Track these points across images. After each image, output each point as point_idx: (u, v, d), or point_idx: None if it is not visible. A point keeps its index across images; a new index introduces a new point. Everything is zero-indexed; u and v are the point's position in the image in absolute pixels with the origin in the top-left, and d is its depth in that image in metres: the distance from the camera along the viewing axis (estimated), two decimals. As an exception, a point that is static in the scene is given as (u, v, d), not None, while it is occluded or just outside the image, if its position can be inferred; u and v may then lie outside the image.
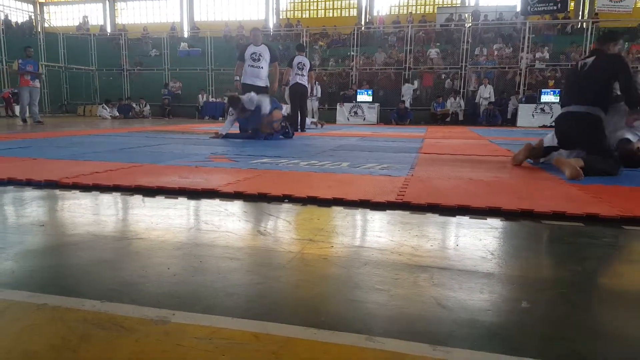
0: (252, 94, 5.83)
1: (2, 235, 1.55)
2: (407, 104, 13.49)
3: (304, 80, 7.76)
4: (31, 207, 1.97)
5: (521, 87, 13.23)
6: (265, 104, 5.71)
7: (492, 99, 13.02)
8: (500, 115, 12.74)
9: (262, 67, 6.49)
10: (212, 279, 1.17)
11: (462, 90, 13.97)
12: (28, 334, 0.87)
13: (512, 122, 12.53)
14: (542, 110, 11.79)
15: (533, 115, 11.89)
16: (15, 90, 14.86)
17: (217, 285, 1.13)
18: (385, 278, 1.20)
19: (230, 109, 5.95)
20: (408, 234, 1.63)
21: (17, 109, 14.29)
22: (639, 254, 1.61)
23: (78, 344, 0.83)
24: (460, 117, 13.21)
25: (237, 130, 6.24)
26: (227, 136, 5.91)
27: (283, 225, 1.74)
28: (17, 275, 1.19)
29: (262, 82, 6.50)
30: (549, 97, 11.90)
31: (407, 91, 13.89)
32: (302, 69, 7.75)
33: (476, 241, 1.56)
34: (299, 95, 7.81)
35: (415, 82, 14.33)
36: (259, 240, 1.53)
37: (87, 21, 23.53)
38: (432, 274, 1.23)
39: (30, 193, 2.23)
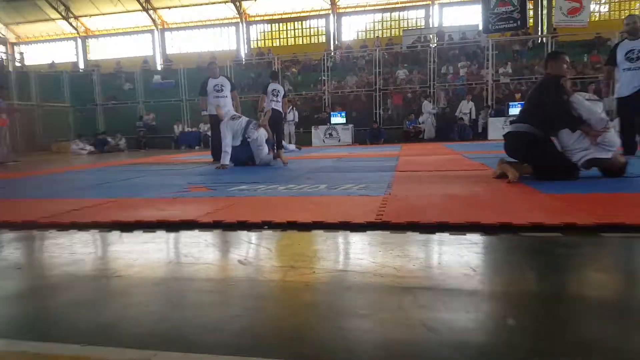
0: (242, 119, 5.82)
1: (-28, 283, 1.49)
2: (431, 121, 13.42)
3: (278, 106, 7.98)
4: (8, 249, 1.91)
5: (489, 101, 13.63)
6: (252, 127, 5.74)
7: (474, 116, 13.31)
8: (471, 130, 13.06)
9: (226, 96, 6.78)
10: (193, 315, 1.15)
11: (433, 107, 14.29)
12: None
13: (483, 135, 12.84)
14: (511, 122, 12.12)
15: (503, 128, 12.20)
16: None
17: (198, 321, 1.11)
18: (369, 302, 1.20)
19: (223, 129, 5.67)
20: (389, 254, 1.64)
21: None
22: (615, 261, 1.65)
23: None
24: (432, 134, 13.47)
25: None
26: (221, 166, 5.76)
27: (263, 253, 1.73)
28: (-10, 324, 1.14)
29: (228, 109, 6.61)
30: (516, 109, 12.27)
31: (427, 108, 13.68)
32: (277, 95, 7.99)
33: (458, 258, 1.58)
34: (274, 120, 7.93)
35: (443, 99, 14.19)
36: (240, 271, 1.51)
37: (54, 63, 23.35)
38: (416, 295, 1.24)
39: (7, 235, 2.16)
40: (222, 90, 6.73)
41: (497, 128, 12.31)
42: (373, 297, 1.23)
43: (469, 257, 1.59)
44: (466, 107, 13.45)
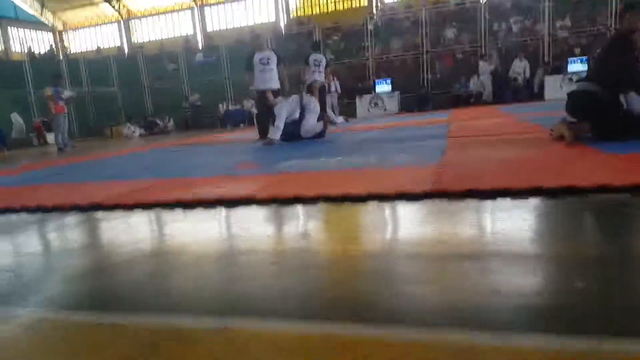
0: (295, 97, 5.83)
1: (57, 260, 1.62)
2: (487, 80, 12.79)
3: (321, 77, 7.90)
4: (79, 231, 2.05)
5: (545, 58, 12.82)
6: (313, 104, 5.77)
7: (528, 74, 12.56)
8: (527, 90, 12.39)
9: (273, 69, 6.55)
10: (260, 284, 1.19)
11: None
12: (97, 350, 0.91)
13: (539, 95, 12.18)
14: (570, 80, 11.39)
15: (561, 86, 11.51)
16: (46, 119, 15.50)
17: (265, 289, 1.15)
18: (433, 269, 1.20)
19: (279, 110, 5.62)
20: (450, 222, 1.62)
21: (49, 137, 14.89)
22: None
23: (149, 357, 0.87)
24: (490, 97, 12.86)
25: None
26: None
27: (322, 226, 1.75)
28: (76, 296, 1.24)
29: (276, 84, 6.57)
30: (577, 65, 11.50)
31: (484, 69, 13.05)
32: (319, 65, 7.88)
33: (521, 223, 1.53)
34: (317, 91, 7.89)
35: (490, 62, 13.33)
36: (301, 243, 1.55)
37: (100, 48, 24.22)
38: (481, 262, 1.22)
39: (76, 217, 2.31)
40: (268, 63, 6.53)
41: (555, 87, 11.62)
42: (436, 265, 1.22)
43: (532, 221, 1.54)
44: (519, 66, 12.68)
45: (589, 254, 1.25)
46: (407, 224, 1.73)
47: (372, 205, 1.98)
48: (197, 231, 1.83)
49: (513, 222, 1.56)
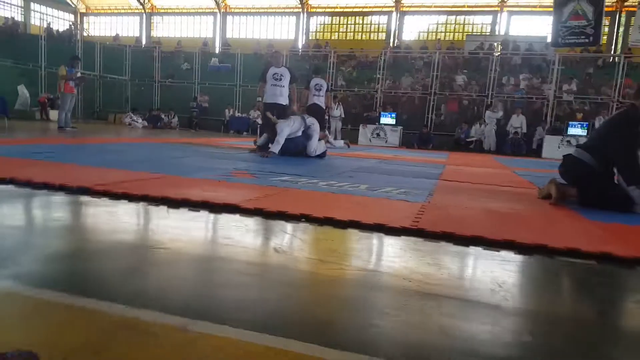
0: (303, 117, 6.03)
1: (37, 237, 1.65)
2: (492, 131, 13.07)
3: (320, 101, 8.23)
4: (63, 212, 2.09)
5: (548, 118, 13.11)
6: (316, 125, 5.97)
7: (524, 130, 12.85)
8: (525, 145, 12.64)
9: (283, 86, 6.77)
10: (227, 293, 1.24)
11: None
12: (62, 330, 0.95)
13: (537, 152, 12.40)
14: (569, 142, 11.65)
15: (559, 147, 11.75)
16: (52, 96, 15.58)
17: (231, 298, 1.20)
18: (393, 302, 1.25)
19: (281, 126, 5.74)
20: (420, 261, 1.67)
21: (52, 113, 14.94)
22: (651, 296, 1.60)
23: (107, 344, 0.91)
24: (485, 145, 13.12)
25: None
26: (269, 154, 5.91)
27: (298, 244, 1.80)
28: (49, 275, 1.28)
29: (284, 100, 6.77)
30: (576, 129, 11.76)
31: (491, 119, 13.34)
32: (319, 89, 8.20)
33: (487, 273, 1.59)
34: (316, 114, 8.07)
35: (500, 111, 13.71)
36: (274, 257, 1.59)
37: (118, 36, 24.51)
38: (440, 303, 1.27)
39: (63, 198, 2.35)
40: (280, 79, 6.75)
41: (553, 147, 11.87)
42: (397, 299, 1.27)
43: (498, 273, 1.59)
44: (516, 121, 13.00)
45: (541, 310, 1.31)
46: (381, 255, 1.78)
47: (351, 233, 2.04)
48: (176, 231, 1.87)
49: (479, 271, 1.62)
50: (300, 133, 5.83)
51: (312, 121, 5.95)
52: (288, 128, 5.71)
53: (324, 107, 8.39)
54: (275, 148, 5.62)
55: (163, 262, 1.47)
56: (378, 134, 13.59)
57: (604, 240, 2.16)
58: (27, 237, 1.68)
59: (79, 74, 10.15)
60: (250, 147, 6.93)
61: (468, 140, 13.23)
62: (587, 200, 3.22)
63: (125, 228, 1.85)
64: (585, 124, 11.84)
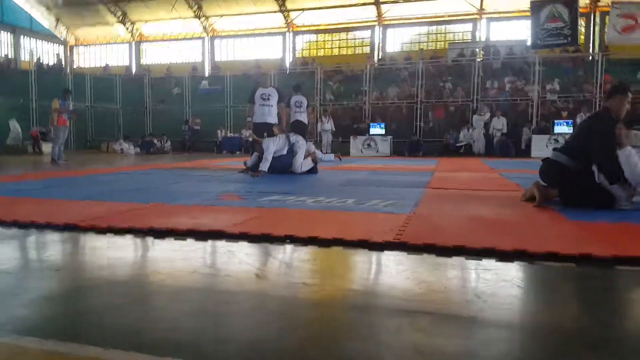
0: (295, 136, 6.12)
1: (19, 281, 1.67)
2: (481, 134, 13.27)
3: (302, 117, 8.42)
4: (49, 250, 2.11)
5: (533, 118, 13.28)
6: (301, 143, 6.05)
7: (505, 130, 13.06)
8: (514, 146, 12.75)
9: (271, 106, 6.95)
10: (205, 325, 1.25)
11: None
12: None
13: (526, 152, 12.51)
14: (556, 140, 11.77)
15: (547, 146, 11.86)
16: (44, 130, 15.63)
17: (210, 331, 1.21)
18: (368, 323, 1.27)
19: (267, 143, 5.87)
20: (400, 276, 1.70)
21: (44, 146, 14.98)
22: (624, 296, 1.63)
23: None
24: (474, 149, 13.24)
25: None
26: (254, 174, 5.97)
27: (281, 268, 1.82)
28: (30, 321, 1.29)
29: (272, 119, 6.94)
30: (563, 127, 11.89)
31: (478, 122, 13.60)
32: (300, 106, 8.41)
33: (465, 283, 1.62)
34: (298, 131, 8.17)
35: (487, 113, 13.87)
36: (255, 284, 1.61)
37: (108, 65, 24.74)
38: (416, 319, 1.29)
39: (49, 236, 2.37)
40: (268, 99, 6.94)
41: (541, 146, 12.00)
42: (373, 319, 1.30)
43: (477, 283, 1.62)
44: (498, 123, 13.17)
45: (518, 320, 1.33)
46: (362, 273, 1.81)
47: (335, 251, 2.06)
48: (160, 263, 1.89)
49: (458, 282, 1.65)
50: (285, 152, 5.91)
51: (297, 138, 6.03)
52: (273, 145, 5.81)
53: (307, 123, 8.52)
54: (264, 166, 5.69)
55: (143, 298, 1.49)
56: (369, 145, 13.70)
57: (585, 241, 2.20)
58: (5, 280, 1.69)
59: (71, 107, 10.24)
60: (240, 168, 6.97)
61: (458, 145, 13.35)
62: (569, 200, 3.27)
63: (108, 264, 1.86)
64: (570, 121, 12.00)
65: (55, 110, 9.43)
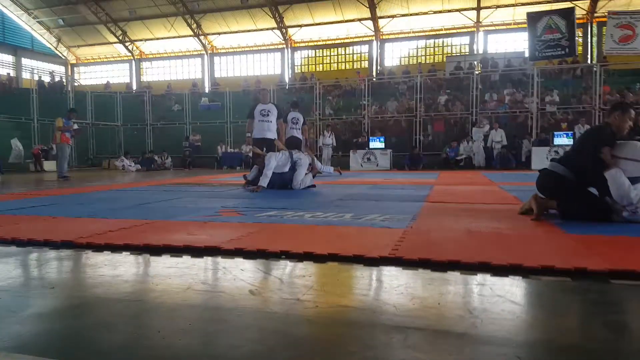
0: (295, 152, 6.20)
1: (16, 298, 1.67)
2: (480, 147, 13.32)
3: (298, 134, 8.62)
4: (45, 268, 2.11)
5: (533, 130, 13.32)
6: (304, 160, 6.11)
7: (505, 142, 13.10)
8: (514, 159, 12.77)
9: (271, 121, 7.05)
10: (198, 342, 1.25)
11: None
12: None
13: (526, 165, 12.52)
14: (556, 152, 11.79)
15: (547, 158, 11.86)
16: (45, 147, 15.74)
17: (202, 349, 1.22)
18: (361, 339, 1.27)
19: (269, 158, 5.90)
20: (394, 291, 1.69)
21: (46, 164, 15.08)
22: (619, 311, 1.63)
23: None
24: (475, 162, 13.26)
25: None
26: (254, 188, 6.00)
27: (275, 284, 1.82)
28: (24, 339, 1.29)
29: (272, 134, 7.04)
30: (562, 139, 11.91)
31: (478, 135, 13.68)
32: (296, 123, 8.62)
33: (459, 299, 1.61)
34: (293, 146, 8.28)
35: (486, 125, 13.96)
36: (249, 301, 1.61)
37: (109, 83, 25.02)
38: (407, 335, 1.29)
39: (46, 254, 2.37)
40: (268, 115, 7.03)
41: (542, 158, 11.99)
42: (365, 335, 1.29)
43: (471, 298, 1.62)
44: (496, 136, 13.21)
45: (511, 337, 1.33)
46: (356, 289, 1.80)
47: (330, 267, 2.07)
48: (154, 280, 1.89)
49: (451, 297, 1.64)
50: (287, 169, 5.93)
51: (299, 156, 6.08)
52: (274, 160, 5.84)
53: (301, 139, 8.71)
54: (264, 182, 5.71)
55: (136, 316, 1.49)
56: (369, 159, 13.73)
57: (581, 255, 2.19)
58: (1, 298, 1.69)
59: (75, 126, 10.37)
60: (240, 182, 7.01)
61: (458, 158, 13.37)
62: (568, 212, 3.27)
63: (103, 281, 1.87)
64: (570, 133, 12.03)
65: (59, 129, 9.58)
